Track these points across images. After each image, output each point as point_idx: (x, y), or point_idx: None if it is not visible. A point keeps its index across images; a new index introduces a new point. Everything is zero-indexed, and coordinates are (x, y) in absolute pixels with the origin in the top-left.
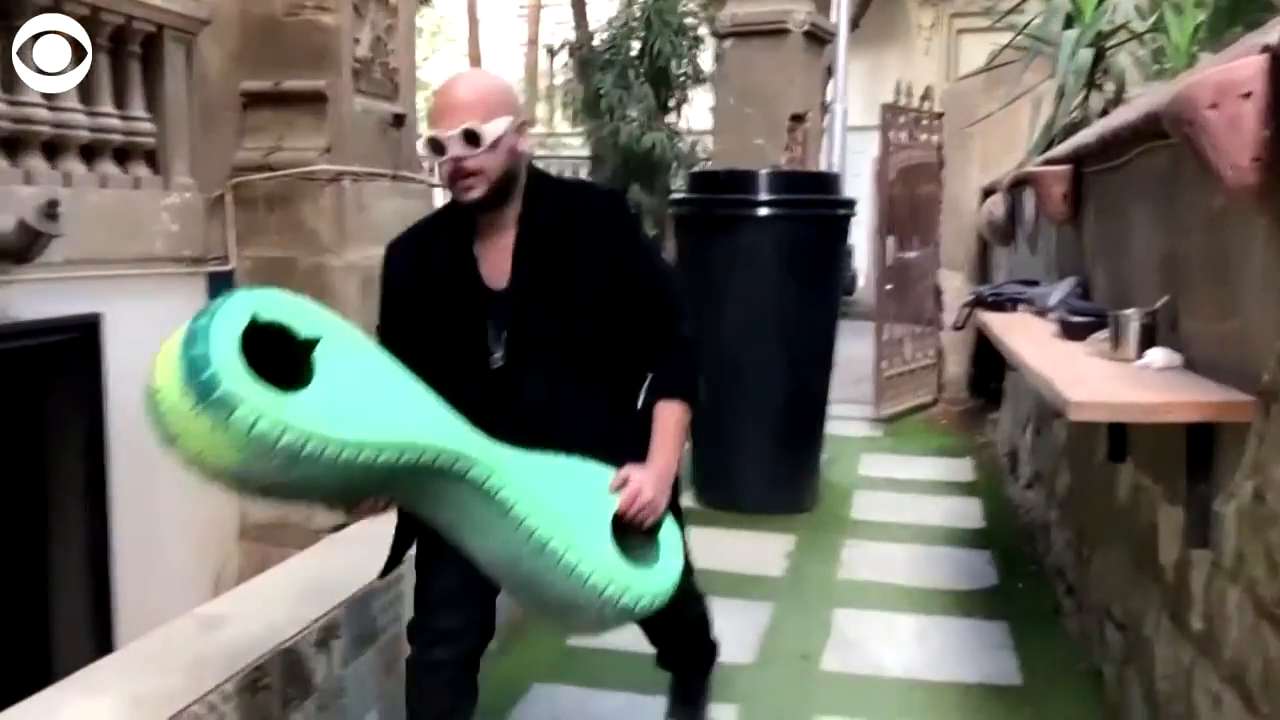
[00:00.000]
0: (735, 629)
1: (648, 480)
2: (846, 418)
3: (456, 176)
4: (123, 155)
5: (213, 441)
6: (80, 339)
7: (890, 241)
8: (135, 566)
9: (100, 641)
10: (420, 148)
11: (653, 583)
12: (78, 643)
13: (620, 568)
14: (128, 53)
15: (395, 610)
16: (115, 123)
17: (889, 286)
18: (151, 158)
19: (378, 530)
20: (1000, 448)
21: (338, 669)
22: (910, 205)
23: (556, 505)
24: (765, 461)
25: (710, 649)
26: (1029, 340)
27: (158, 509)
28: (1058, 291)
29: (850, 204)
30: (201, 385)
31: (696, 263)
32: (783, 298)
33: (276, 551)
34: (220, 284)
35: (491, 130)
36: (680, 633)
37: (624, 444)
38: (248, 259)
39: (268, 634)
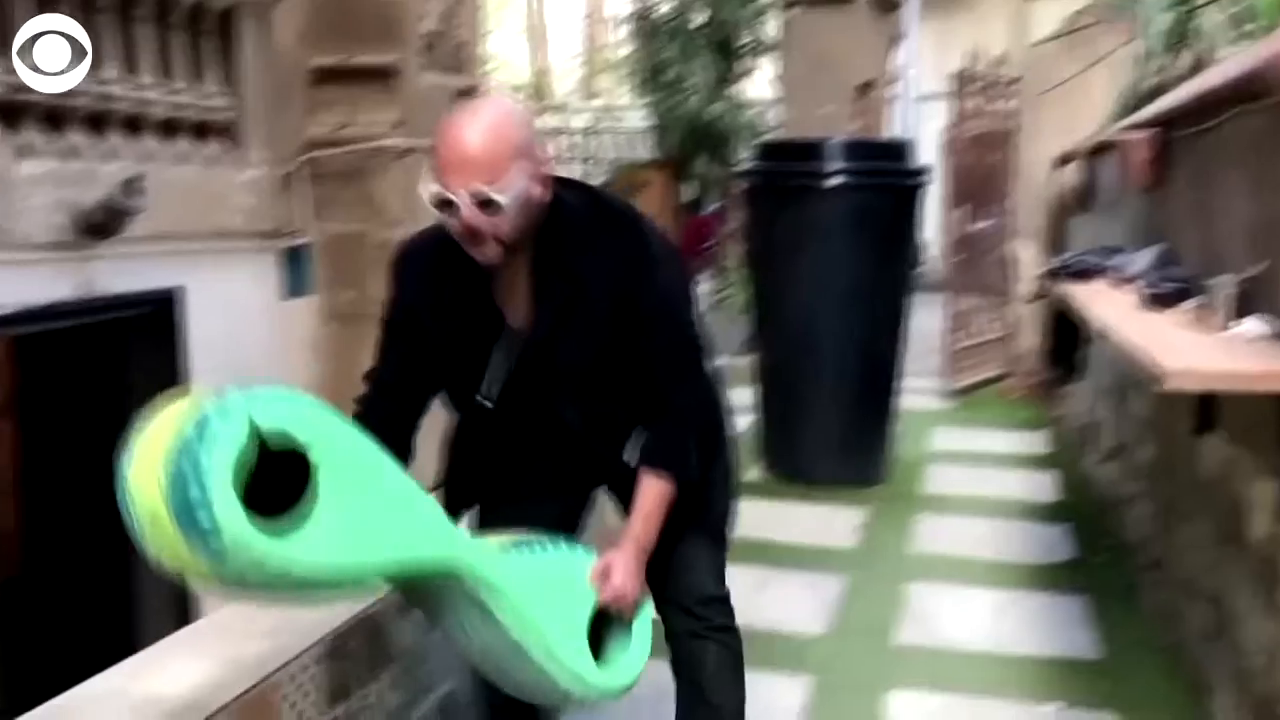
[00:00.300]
0: (807, 601)
1: (628, 574)
2: (917, 391)
3: (467, 237)
4: (200, 131)
5: (194, 561)
6: (161, 312)
7: (960, 212)
8: None
9: (180, 609)
10: (424, 197)
11: (616, 678)
12: (159, 611)
13: (588, 669)
14: (203, 29)
15: None
16: (192, 99)
17: (959, 258)
18: (227, 133)
19: None
20: (1076, 420)
21: (418, 637)
22: (980, 175)
23: (537, 610)
24: (836, 433)
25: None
26: (1113, 310)
27: None
28: (1141, 260)
29: (923, 172)
30: (190, 518)
31: (765, 233)
32: (854, 268)
33: None
34: (294, 258)
35: (507, 191)
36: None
37: None
38: (321, 233)
39: (350, 601)
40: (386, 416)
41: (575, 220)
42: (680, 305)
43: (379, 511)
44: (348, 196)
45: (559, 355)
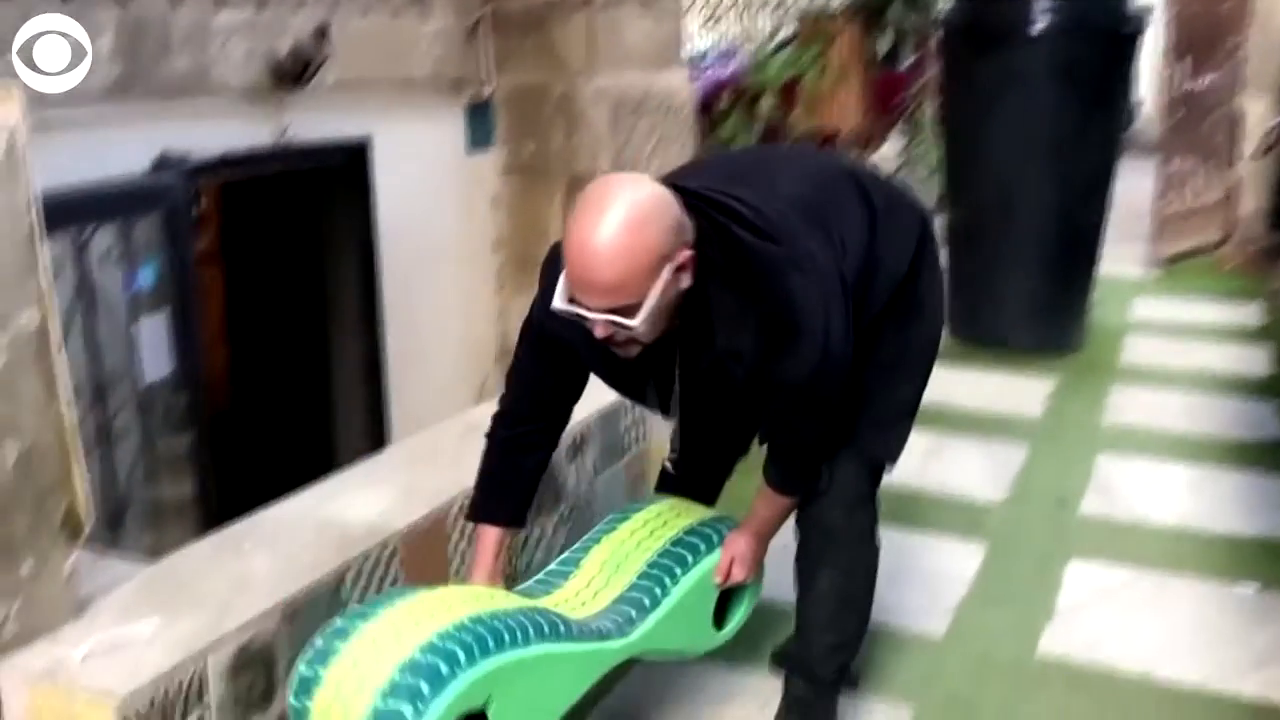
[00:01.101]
0: (985, 468)
1: (746, 567)
2: (1120, 258)
3: (604, 341)
4: None
5: None
6: (354, 162)
7: (1181, 66)
8: (405, 376)
9: (375, 441)
10: (558, 302)
11: (719, 639)
12: (356, 440)
13: (708, 646)
14: None
15: (640, 429)
16: None
17: (1176, 116)
18: None
19: None
20: None
21: (587, 479)
22: (1206, 24)
23: (674, 641)
24: (1029, 298)
25: (847, 641)
26: None
27: (424, 326)
28: None
29: (1140, 18)
30: None
31: (962, 86)
32: (1057, 122)
33: None
34: (478, 110)
35: (644, 310)
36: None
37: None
38: (503, 85)
39: None
40: (524, 444)
41: (723, 296)
42: (811, 384)
43: (546, 694)
44: (529, 47)
45: (712, 387)
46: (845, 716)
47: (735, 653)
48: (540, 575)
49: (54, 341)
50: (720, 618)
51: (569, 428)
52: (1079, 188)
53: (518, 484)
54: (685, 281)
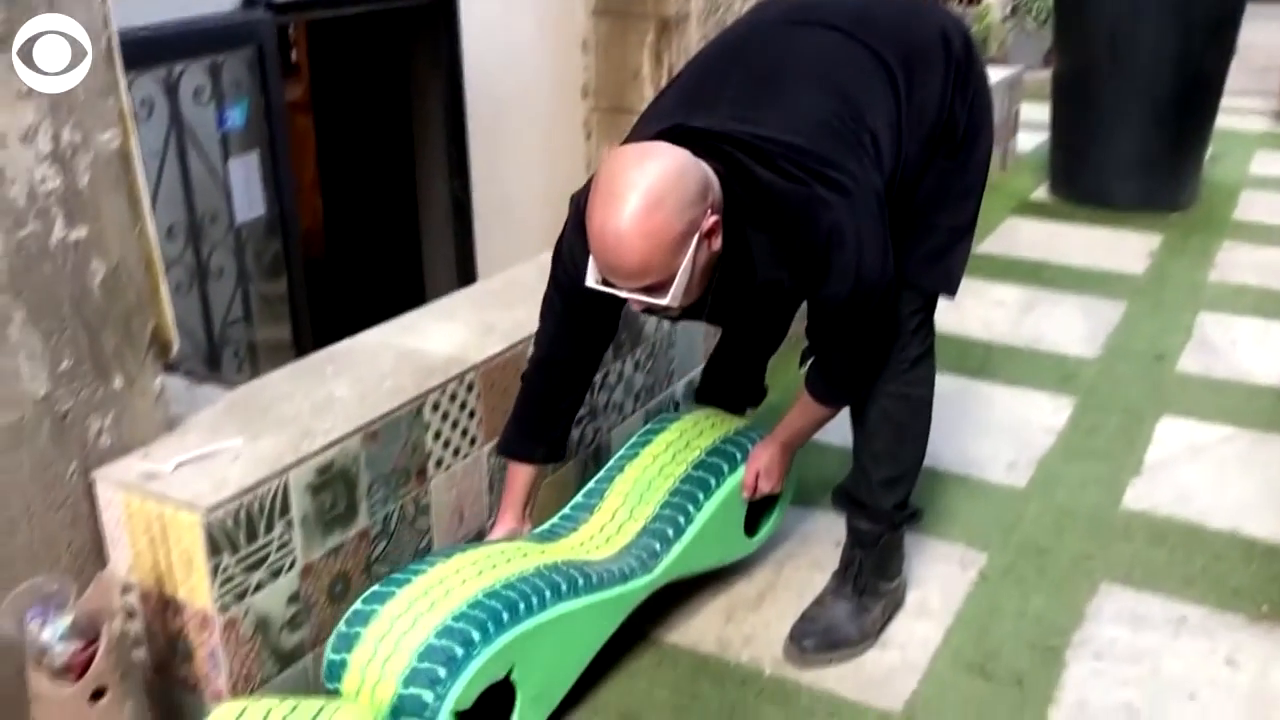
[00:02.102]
0: (1082, 324)
1: (773, 479)
2: (1243, 111)
3: (643, 311)
4: None
5: None
6: (440, 4)
7: None
8: (492, 221)
9: (464, 279)
10: (590, 280)
11: (751, 545)
12: (446, 285)
13: (743, 551)
14: None
15: None
16: None
17: None
18: None
19: None
20: None
21: (666, 325)
22: None
23: (703, 564)
24: (1138, 150)
25: (904, 474)
26: None
27: (512, 171)
28: None
29: None
30: None
31: None
32: None
33: None
34: None
35: (675, 285)
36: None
37: None
38: None
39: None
40: (557, 384)
41: (757, 236)
42: (848, 306)
43: (571, 647)
44: None
45: (734, 313)
46: (915, 556)
47: (809, 494)
48: (565, 510)
49: (136, 162)
50: (754, 523)
51: None
52: (1200, 33)
53: (551, 424)
54: (715, 244)
